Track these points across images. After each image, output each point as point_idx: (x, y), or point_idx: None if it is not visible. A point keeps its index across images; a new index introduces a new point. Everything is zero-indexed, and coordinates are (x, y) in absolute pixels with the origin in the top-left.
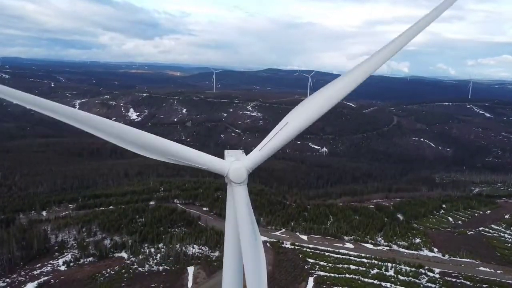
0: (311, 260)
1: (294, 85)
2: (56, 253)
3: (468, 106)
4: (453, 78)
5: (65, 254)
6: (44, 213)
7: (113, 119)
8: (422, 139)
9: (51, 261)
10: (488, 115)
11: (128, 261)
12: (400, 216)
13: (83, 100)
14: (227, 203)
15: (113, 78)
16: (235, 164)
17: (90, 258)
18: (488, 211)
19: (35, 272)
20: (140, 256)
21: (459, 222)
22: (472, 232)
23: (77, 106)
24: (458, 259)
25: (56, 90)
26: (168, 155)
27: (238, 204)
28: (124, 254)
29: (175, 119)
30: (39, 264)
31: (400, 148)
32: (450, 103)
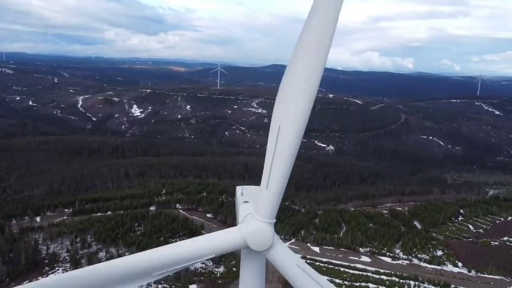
0: (326, 277)
1: None
2: (46, 268)
3: (476, 103)
4: (458, 75)
5: (56, 268)
6: (38, 219)
7: (116, 115)
8: (430, 137)
9: (39, 277)
10: (497, 112)
11: None
12: (418, 224)
13: (86, 96)
14: (241, 271)
15: (117, 74)
16: (251, 228)
17: None
18: (510, 218)
19: None
20: None
21: (480, 230)
22: (496, 243)
23: (80, 102)
24: (486, 275)
25: (60, 86)
26: (154, 271)
27: (287, 269)
28: None
29: (179, 116)
30: (27, 281)
31: (409, 147)
32: (458, 100)
